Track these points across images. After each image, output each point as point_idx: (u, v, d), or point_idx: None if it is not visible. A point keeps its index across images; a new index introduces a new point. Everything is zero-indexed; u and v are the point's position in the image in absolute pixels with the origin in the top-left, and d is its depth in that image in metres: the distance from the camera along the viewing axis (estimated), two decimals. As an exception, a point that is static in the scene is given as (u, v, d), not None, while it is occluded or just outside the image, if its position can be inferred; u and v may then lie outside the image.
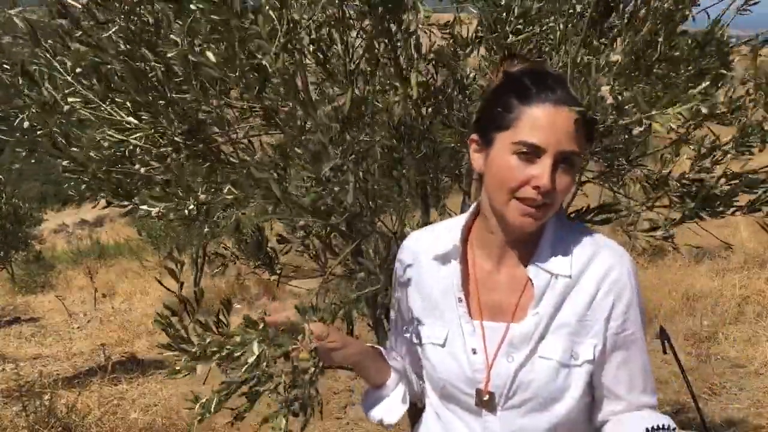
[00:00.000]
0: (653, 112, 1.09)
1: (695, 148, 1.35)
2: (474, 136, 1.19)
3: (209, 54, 1.04)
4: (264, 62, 1.06)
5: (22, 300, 10.89)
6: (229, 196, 1.21)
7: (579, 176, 1.61)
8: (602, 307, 1.14)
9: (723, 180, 1.37)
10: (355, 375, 4.51)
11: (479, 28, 1.53)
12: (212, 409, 1.07)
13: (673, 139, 1.37)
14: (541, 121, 1.07)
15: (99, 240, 17.36)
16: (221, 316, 1.08)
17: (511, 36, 1.39)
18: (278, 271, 1.57)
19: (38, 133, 1.32)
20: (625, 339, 1.15)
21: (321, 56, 1.50)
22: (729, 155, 1.33)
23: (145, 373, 5.79)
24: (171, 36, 1.11)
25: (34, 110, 1.29)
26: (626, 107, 1.13)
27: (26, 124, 1.32)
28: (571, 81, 1.17)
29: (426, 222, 1.73)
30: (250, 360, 0.99)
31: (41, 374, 5.75)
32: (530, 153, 1.07)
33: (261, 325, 1.03)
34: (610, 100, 1.13)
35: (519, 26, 1.39)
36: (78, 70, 1.28)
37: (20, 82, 1.29)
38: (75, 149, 1.31)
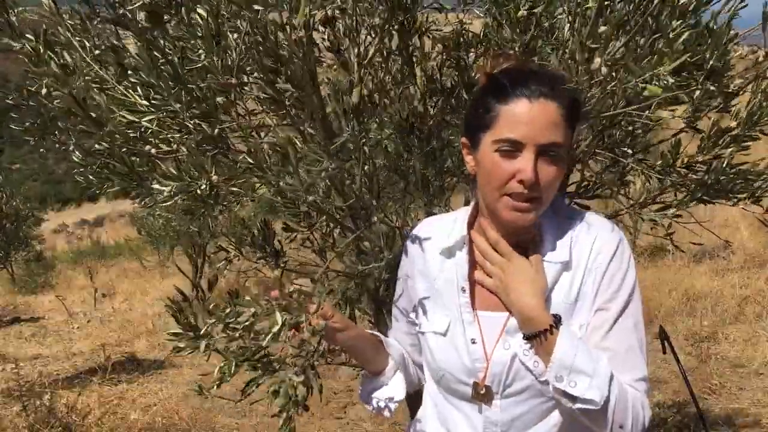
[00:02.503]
0: (645, 75, 1.10)
1: (702, 132, 1.35)
2: (464, 140, 1.22)
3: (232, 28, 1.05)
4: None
5: (22, 300, 10.89)
6: (235, 189, 1.22)
7: (581, 172, 1.62)
8: (588, 286, 1.15)
9: (727, 166, 1.37)
10: (355, 375, 4.52)
11: (485, 28, 1.54)
12: (230, 374, 1.08)
13: (679, 129, 1.37)
14: (517, 117, 1.10)
15: (99, 240, 17.37)
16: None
17: (517, 34, 1.39)
18: (282, 265, 1.57)
19: (54, 94, 1.32)
20: (595, 308, 1.14)
21: (335, 44, 1.52)
22: (736, 141, 1.33)
23: (145, 373, 5.79)
24: (200, 10, 1.12)
25: (53, 74, 1.29)
26: (619, 74, 1.14)
27: (44, 90, 1.33)
28: (576, 70, 1.17)
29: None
30: (275, 329, 1.01)
31: (41, 374, 5.76)
32: (511, 149, 1.10)
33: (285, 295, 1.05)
34: (604, 70, 1.14)
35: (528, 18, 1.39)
36: (97, 51, 1.29)
37: (42, 51, 1.30)
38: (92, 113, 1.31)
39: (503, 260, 1.18)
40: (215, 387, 1.11)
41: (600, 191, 1.58)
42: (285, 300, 1.05)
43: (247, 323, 1.04)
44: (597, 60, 1.16)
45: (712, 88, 1.14)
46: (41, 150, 1.49)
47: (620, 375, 1.11)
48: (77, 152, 1.46)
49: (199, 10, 1.12)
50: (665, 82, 1.11)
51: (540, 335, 1.10)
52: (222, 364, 1.09)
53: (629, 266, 1.16)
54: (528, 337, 1.12)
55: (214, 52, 1.11)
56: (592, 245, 1.16)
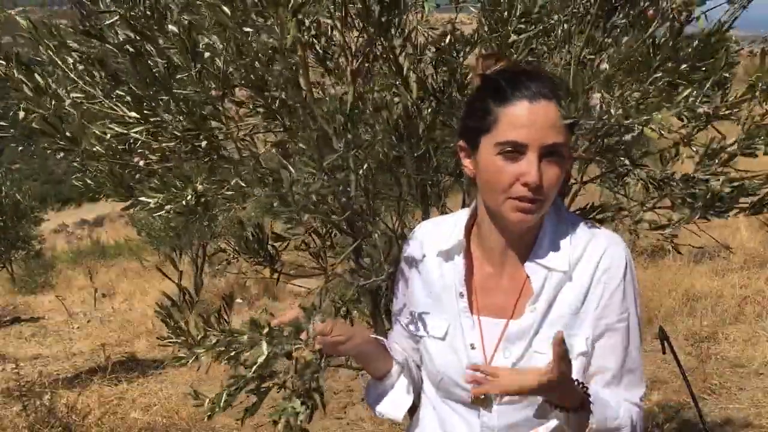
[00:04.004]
0: (642, 118, 1.10)
1: (699, 150, 1.35)
2: (461, 143, 1.21)
3: (215, 37, 1.04)
4: (270, 41, 1.06)
5: (22, 300, 10.90)
6: (229, 192, 1.21)
7: (581, 176, 1.61)
8: (594, 297, 1.16)
9: (726, 182, 1.37)
10: (355, 375, 4.51)
11: (479, 27, 1.53)
12: (222, 405, 1.07)
13: (675, 141, 1.37)
14: (519, 119, 1.09)
15: (99, 240, 17.39)
16: (223, 312, 1.08)
17: (512, 35, 1.39)
18: (278, 269, 1.57)
19: (32, 117, 1.32)
20: (605, 326, 1.15)
21: (321, 52, 1.51)
22: (735, 158, 1.33)
23: (145, 373, 5.79)
24: (172, 27, 1.12)
25: (27, 95, 1.30)
26: (616, 114, 1.14)
27: (22, 114, 1.33)
28: (573, 79, 1.17)
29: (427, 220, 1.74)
30: (260, 360, 1.00)
31: (41, 374, 5.75)
32: (514, 151, 1.09)
33: (266, 328, 1.03)
34: (598, 107, 1.14)
35: (521, 25, 1.39)
36: (80, 67, 1.29)
37: (16, 75, 1.30)
38: (69, 133, 1.31)
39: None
40: (208, 417, 1.10)
41: (602, 216, 1.58)
42: (275, 329, 1.04)
43: (232, 353, 1.03)
44: (596, 95, 1.15)
45: (700, 110, 1.14)
46: (33, 155, 1.50)
47: (630, 393, 1.17)
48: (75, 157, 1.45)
49: (171, 27, 1.11)
50: (660, 131, 1.11)
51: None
52: (214, 395, 1.08)
53: (636, 283, 1.18)
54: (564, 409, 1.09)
55: (192, 67, 1.10)
56: (600, 258, 1.16)
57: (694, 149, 1.35)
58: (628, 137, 1.21)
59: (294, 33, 1.03)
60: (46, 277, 12.08)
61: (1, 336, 7.97)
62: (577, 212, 1.59)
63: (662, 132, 1.11)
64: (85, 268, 12.38)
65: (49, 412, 4.10)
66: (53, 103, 1.31)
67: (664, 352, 3.00)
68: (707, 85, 1.14)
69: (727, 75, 1.20)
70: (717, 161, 1.34)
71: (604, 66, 1.21)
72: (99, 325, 8.33)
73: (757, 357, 4.57)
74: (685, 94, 1.11)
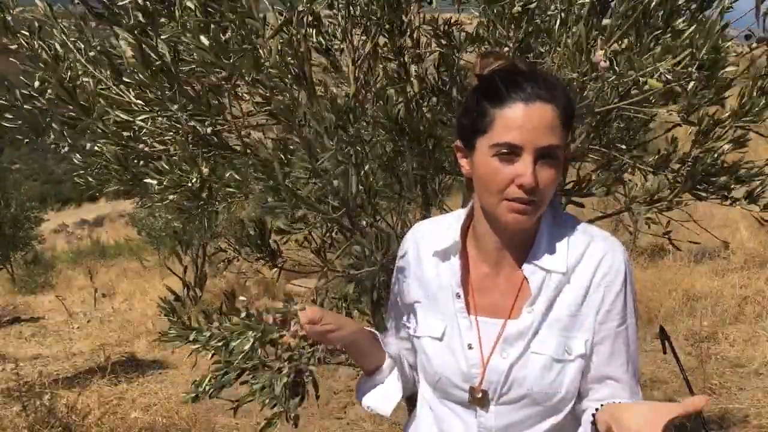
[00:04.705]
0: (647, 69, 1.10)
1: (696, 125, 1.34)
2: (458, 143, 1.21)
3: (203, 38, 1.05)
4: (257, 46, 1.07)
5: (22, 300, 10.90)
6: (229, 188, 1.21)
7: (577, 170, 1.62)
8: (593, 300, 1.15)
9: (718, 161, 1.37)
10: (355, 375, 4.51)
11: (479, 27, 1.53)
12: (206, 390, 1.07)
13: (673, 124, 1.37)
14: (514, 121, 1.08)
15: (99, 240, 17.39)
16: (224, 308, 1.09)
17: (517, 6, 1.38)
18: (280, 265, 1.57)
19: (46, 85, 1.33)
20: (607, 331, 1.15)
21: (325, 44, 1.52)
22: (729, 131, 1.33)
23: (145, 373, 5.80)
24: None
25: (44, 62, 1.31)
26: (620, 68, 1.14)
27: (36, 83, 1.35)
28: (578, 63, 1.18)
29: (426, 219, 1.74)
30: (246, 347, 1.01)
31: (41, 374, 5.76)
32: (510, 153, 1.09)
33: (249, 317, 1.04)
34: (604, 64, 1.14)
35: (520, 17, 1.38)
36: (92, 53, 1.30)
37: (36, 46, 1.31)
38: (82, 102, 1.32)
39: None
40: (192, 399, 1.10)
41: (595, 189, 1.58)
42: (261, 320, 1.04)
43: (220, 343, 1.03)
44: (600, 52, 1.15)
45: (704, 74, 1.14)
46: (36, 148, 1.52)
47: (615, 392, 1.16)
48: (77, 155, 1.46)
49: (188, 3, 1.11)
50: (665, 77, 1.11)
51: None
52: (198, 380, 1.08)
53: (634, 288, 1.18)
54: None
55: (205, 48, 1.11)
56: (600, 262, 1.16)
57: (692, 126, 1.35)
58: (629, 85, 1.20)
59: (276, 54, 1.04)
60: (46, 277, 12.09)
61: (1, 336, 7.98)
62: (577, 188, 1.60)
63: (667, 77, 1.10)
64: (85, 268, 12.39)
65: (49, 412, 4.10)
66: (68, 73, 1.32)
67: (664, 352, 2.99)
68: (703, 51, 1.14)
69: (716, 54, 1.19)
70: (712, 137, 1.34)
71: (607, 21, 1.21)
72: (99, 325, 8.33)
73: (757, 357, 4.57)
74: (686, 53, 1.12)
